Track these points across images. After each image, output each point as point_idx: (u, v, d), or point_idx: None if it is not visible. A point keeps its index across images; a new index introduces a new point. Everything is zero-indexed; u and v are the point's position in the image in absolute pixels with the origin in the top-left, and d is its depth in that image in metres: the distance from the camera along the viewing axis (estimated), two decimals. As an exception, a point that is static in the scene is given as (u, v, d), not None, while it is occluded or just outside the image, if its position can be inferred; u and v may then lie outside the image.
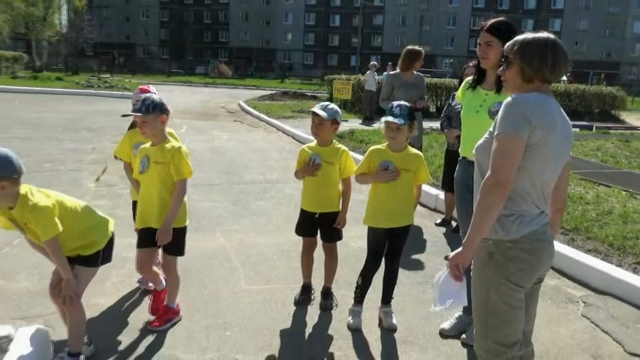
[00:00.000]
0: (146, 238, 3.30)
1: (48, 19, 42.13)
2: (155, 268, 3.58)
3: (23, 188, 2.65)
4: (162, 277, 3.59)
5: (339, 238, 3.89)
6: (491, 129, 2.23)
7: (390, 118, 3.38)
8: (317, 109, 3.64)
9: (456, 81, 13.41)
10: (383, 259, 3.71)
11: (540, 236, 2.15)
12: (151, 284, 3.72)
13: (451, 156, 5.74)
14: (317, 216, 3.76)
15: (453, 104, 5.58)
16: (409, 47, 6.14)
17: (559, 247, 4.93)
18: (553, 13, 73.11)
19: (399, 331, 3.56)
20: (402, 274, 4.56)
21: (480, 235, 2.09)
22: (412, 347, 3.38)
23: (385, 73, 17.75)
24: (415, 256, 5.03)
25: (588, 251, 4.92)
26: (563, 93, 21.08)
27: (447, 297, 2.28)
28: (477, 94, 3.33)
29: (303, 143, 11.97)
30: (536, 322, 3.69)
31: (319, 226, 3.81)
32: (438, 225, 6.05)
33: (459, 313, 3.61)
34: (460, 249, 2.14)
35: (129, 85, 27.71)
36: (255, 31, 79.29)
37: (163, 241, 3.21)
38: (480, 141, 2.28)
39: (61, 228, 2.69)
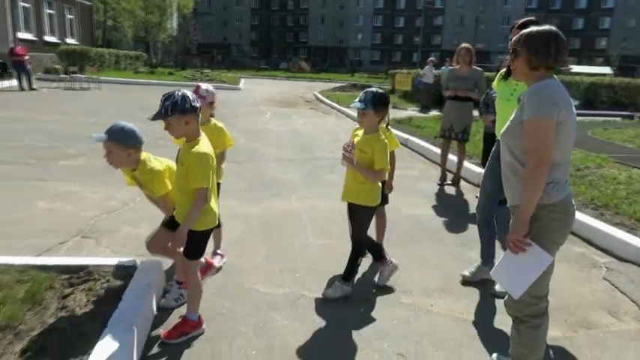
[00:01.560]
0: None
1: (162, 24, 43.85)
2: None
3: (143, 155, 2.88)
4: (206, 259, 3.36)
5: (386, 202, 3.91)
6: (513, 115, 2.24)
7: (353, 103, 3.19)
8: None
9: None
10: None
11: (570, 199, 2.19)
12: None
13: (488, 137, 5.69)
14: None
15: (490, 92, 5.49)
16: (461, 45, 6.05)
17: (589, 220, 4.78)
18: (603, 12, 67.59)
19: (437, 282, 3.63)
20: (446, 236, 4.63)
21: (530, 212, 2.11)
22: (448, 295, 3.45)
23: (443, 67, 17.28)
24: (457, 223, 5.03)
25: (615, 224, 4.73)
26: (608, 85, 19.65)
27: (521, 279, 2.17)
28: (509, 84, 3.41)
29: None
30: (560, 280, 3.73)
31: None
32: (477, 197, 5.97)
33: (478, 263, 3.70)
34: (514, 228, 2.16)
35: (225, 78, 28.58)
36: (330, 32, 78.94)
37: (175, 246, 2.81)
38: (507, 125, 2.27)
39: (170, 187, 2.88)
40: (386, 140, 3.19)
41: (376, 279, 3.56)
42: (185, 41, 50.56)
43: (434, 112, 14.94)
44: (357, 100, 3.12)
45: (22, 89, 16.33)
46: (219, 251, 3.77)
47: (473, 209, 5.55)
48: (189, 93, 2.57)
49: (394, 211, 5.26)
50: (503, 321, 3.08)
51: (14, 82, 16.78)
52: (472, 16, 70.54)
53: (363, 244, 3.36)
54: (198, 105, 2.57)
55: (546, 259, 2.15)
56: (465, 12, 72.87)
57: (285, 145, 9.15)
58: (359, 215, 3.27)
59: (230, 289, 3.37)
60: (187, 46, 55.52)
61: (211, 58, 53.35)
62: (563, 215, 2.16)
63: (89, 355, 2.27)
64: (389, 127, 3.46)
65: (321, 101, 19.37)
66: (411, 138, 9.79)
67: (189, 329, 2.72)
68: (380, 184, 3.29)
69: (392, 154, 3.62)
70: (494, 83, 3.68)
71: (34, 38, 23.12)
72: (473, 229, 4.82)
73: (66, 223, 4.41)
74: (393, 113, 14.36)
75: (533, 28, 2.17)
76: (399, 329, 2.96)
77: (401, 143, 10.12)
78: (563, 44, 2.14)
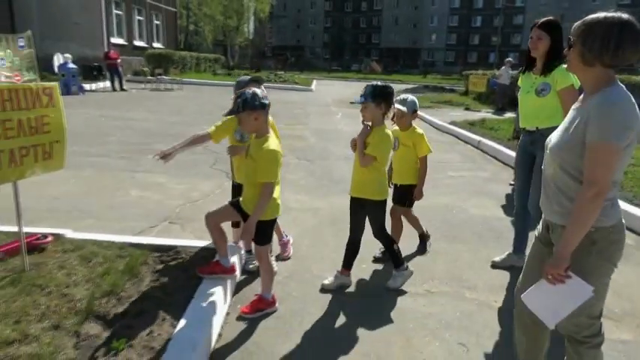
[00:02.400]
0: (237, 207, 3.05)
1: (239, 28, 45.75)
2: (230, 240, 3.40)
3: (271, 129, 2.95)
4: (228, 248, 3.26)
5: (410, 205, 3.95)
6: (572, 128, 1.90)
7: (354, 98, 3.32)
8: (398, 104, 3.56)
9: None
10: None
11: (621, 216, 1.97)
12: (252, 265, 3.60)
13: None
14: (398, 186, 3.90)
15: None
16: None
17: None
18: None
19: (501, 280, 3.65)
20: (512, 238, 4.59)
21: (576, 244, 1.86)
22: (511, 293, 3.46)
23: (502, 67, 16.70)
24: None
25: None
26: None
27: (557, 309, 1.99)
28: (529, 78, 3.56)
29: (439, 130, 12.05)
30: (631, 283, 3.66)
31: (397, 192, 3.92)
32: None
33: (508, 251, 3.90)
34: (555, 259, 1.89)
35: (297, 79, 29.29)
36: (404, 33, 78.14)
37: (245, 238, 2.93)
38: (559, 138, 1.98)
39: (277, 178, 2.89)
40: (389, 133, 3.22)
41: (389, 282, 3.47)
42: (260, 44, 52.39)
43: (509, 114, 14.47)
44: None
45: (114, 90, 17.81)
46: (289, 237, 4.00)
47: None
48: (259, 91, 2.82)
49: (462, 211, 5.31)
50: (569, 321, 3.08)
51: (107, 84, 18.32)
52: (556, 14, 66.82)
53: (386, 235, 3.45)
54: (267, 102, 2.81)
55: (587, 291, 1.93)
56: (548, 9, 68.86)
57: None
58: (370, 211, 3.33)
59: (301, 274, 3.62)
60: (262, 48, 57.34)
61: (285, 60, 54.78)
62: (620, 235, 1.94)
63: (179, 321, 2.59)
64: (422, 133, 3.78)
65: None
66: (484, 140, 9.62)
67: (264, 306, 2.99)
68: (384, 177, 3.36)
69: (423, 159, 3.78)
70: (519, 80, 3.75)
71: (125, 43, 25.04)
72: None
73: (155, 210, 4.89)
74: (466, 115, 14.21)
75: (600, 15, 1.81)
76: (461, 321, 3.05)
77: (472, 145, 10.10)
78: (631, 38, 1.74)
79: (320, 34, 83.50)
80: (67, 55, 16.13)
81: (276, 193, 2.91)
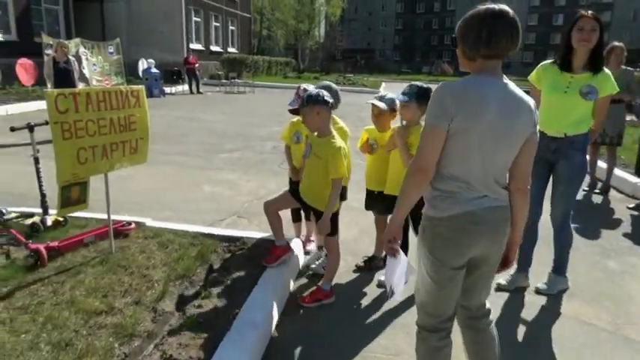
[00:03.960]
0: (295, 196, 3.25)
1: (310, 32, 46.58)
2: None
3: (335, 126, 3.18)
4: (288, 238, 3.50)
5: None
6: None
7: (398, 96, 3.23)
8: (375, 100, 3.36)
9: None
10: None
11: (476, 218, 1.79)
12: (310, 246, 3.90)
13: (646, 143, 5.24)
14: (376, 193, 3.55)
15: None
16: (614, 43, 5.66)
17: None
18: None
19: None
20: (584, 245, 4.44)
21: (401, 213, 1.85)
22: (577, 299, 3.38)
23: None
24: (600, 233, 4.76)
25: None
26: None
27: (395, 282, 2.02)
28: (558, 75, 3.15)
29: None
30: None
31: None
32: (629, 208, 5.52)
33: (513, 271, 3.51)
34: (385, 230, 1.93)
35: (366, 82, 29.38)
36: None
37: (323, 232, 3.08)
38: None
39: (346, 174, 3.05)
40: None
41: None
42: (331, 47, 53.06)
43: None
44: (400, 93, 3.18)
45: (191, 92, 18.89)
46: (312, 238, 4.02)
47: (621, 219, 5.18)
48: (324, 91, 3.01)
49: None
50: (637, 330, 2.97)
51: (186, 87, 19.45)
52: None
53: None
54: (331, 100, 2.95)
55: (406, 274, 1.98)
56: (639, 6, 64.19)
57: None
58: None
59: (359, 271, 3.75)
60: (333, 51, 58.04)
61: (355, 62, 55.08)
62: (450, 233, 1.81)
63: (243, 304, 2.82)
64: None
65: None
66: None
67: (322, 297, 3.13)
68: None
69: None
70: (532, 75, 3.35)
71: (202, 48, 26.42)
72: (612, 240, 4.55)
73: (225, 204, 5.23)
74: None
75: (471, 11, 1.80)
76: (519, 321, 3.05)
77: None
78: (503, 26, 1.72)
79: (390, 37, 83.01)
80: (151, 61, 17.32)
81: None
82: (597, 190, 6.15)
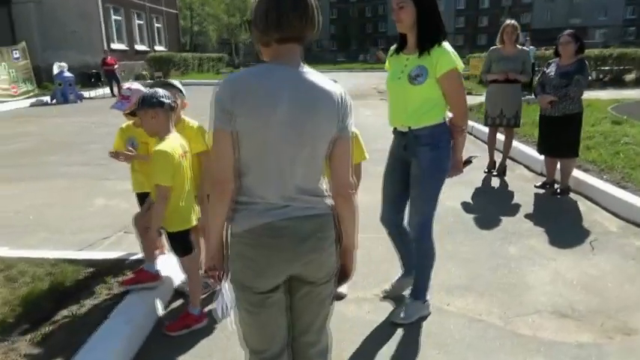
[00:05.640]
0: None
1: (243, 26, 45.55)
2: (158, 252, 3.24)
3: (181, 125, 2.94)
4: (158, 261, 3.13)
5: None
6: None
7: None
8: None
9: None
10: None
11: (275, 231, 1.51)
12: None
13: (544, 120, 5.22)
14: None
15: (547, 71, 5.04)
16: (507, 22, 5.60)
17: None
18: None
19: (461, 279, 3.40)
20: (485, 230, 4.32)
21: (212, 235, 1.61)
22: (470, 293, 3.21)
23: (531, 47, 16.19)
24: (500, 216, 4.65)
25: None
26: None
27: (224, 307, 1.84)
28: (398, 60, 2.73)
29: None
30: (607, 277, 3.33)
31: None
32: (537, 187, 5.50)
33: (398, 275, 3.17)
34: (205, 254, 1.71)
35: (300, 74, 29.03)
36: (411, 20, 77.12)
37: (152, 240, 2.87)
38: None
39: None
40: None
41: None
42: (264, 40, 52.28)
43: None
44: None
45: (113, 95, 17.80)
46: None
47: (520, 201, 5.12)
48: (161, 90, 2.63)
49: (439, 203, 5.01)
50: (527, 323, 2.82)
51: (107, 90, 18.34)
52: (567, -11, 65.04)
53: None
54: (167, 102, 2.60)
55: (226, 302, 1.76)
56: (558, -14, 67.35)
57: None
58: None
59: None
60: (268, 44, 57.22)
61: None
62: (249, 250, 1.54)
63: (86, 343, 2.42)
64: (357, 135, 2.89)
65: (393, 91, 19.00)
66: (477, 125, 9.26)
67: (191, 322, 2.79)
68: None
69: (357, 166, 2.95)
70: (387, 64, 2.88)
71: (126, 48, 25.08)
72: (516, 223, 4.47)
73: (117, 219, 4.72)
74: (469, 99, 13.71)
75: None
76: (404, 327, 2.81)
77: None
78: (291, 5, 1.47)
79: (326, 27, 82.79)
80: (62, 64, 16.14)
81: (185, 202, 2.69)
82: (495, 172, 6.11)
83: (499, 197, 5.36)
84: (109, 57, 18.12)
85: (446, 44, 2.58)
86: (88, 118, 12.23)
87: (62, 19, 21.38)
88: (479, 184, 5.81)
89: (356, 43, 76.94)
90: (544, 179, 5.59)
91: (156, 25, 29.55)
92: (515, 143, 6.97)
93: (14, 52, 14.93)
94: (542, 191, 5.40)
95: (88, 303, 2.86)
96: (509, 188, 5.65)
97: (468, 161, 2.88)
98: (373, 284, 3.33)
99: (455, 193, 5.36)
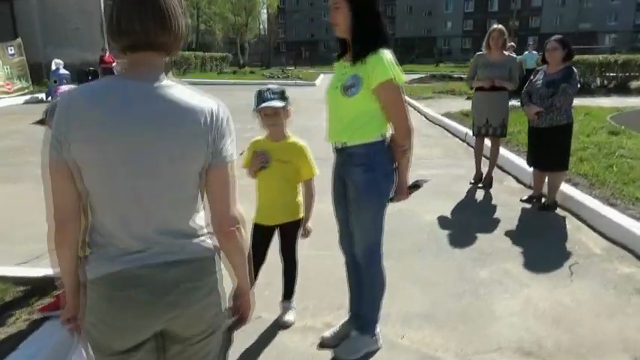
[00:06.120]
0: None
1: (249, 25, 45.45)
2: None
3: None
4: None
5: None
6: None
7: (264, 104, 2.54)
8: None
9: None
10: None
11: (126, 281, 1.25)
12: None
13: (533, 132, 4.91)
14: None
15: (533, 80, 4.75)
16: (493, 27, 5.29)
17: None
18: None
19: (423, 306, 3.11)
20: (458, 249, 4.02)
21: (62, 277, 1.35)
22: (429, 324, 2.92)
23: (526, 52, 15.80)
24: (477, 234, 4.33)
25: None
26: None
27: None
28: (340, 68, 2.42)
29: (431, 122, 11.36)
30: (583, 310, 3.02)
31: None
32: (522, 201, 5.19)
33: (344, 320, 2.79)
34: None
35: (302, 74, 28.78)
36: (418, 22, 76.57)
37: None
38: None
39: None
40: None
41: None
42: (271, 40, 52.02)
43: (513, 102, 13.66)
44: (268, 96, 2.55)
45: (111, 94, 17.64)
46: None
47: (503, 216, 4.81)
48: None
49: (413, 216, 4.75)
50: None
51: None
52: (578, -6, 64.30)
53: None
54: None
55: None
56: (569, -10, 66.61)
57: (319, 142, 8.82)
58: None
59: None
60: (274, 44, 57.03)
61: (298, 55, 54.25)
62: (102, 302, 1.28)
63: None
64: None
65: (394, 94, 18.70)
66: (471, 132, 8.95)
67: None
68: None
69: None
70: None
71: (128, 46, 24.90)
72: (493, 242, 4.17)
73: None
74: (465, 105, 13.41)
75: None
76: (350, 365, 2.54)
77: (460, 139, 9.42)
78: (131, 6, 1.22)
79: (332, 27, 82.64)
80: (58, 61, 15.96)
81: None
82: (480, 184, 5.80)
83: (481, 212, 5.05)
84: (107, 54, 17.96)
85: (384, 51, 2.28)
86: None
87: (63, 16, 21.22)
88: (462, 196, 5.51)
89: (363, 44, 76.42)
90: (531, 192, 5.28)
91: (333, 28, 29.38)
92: (505, 153, 6.69)
93: (9, 48, 14.79)
94: (528, 206, 5.09)
95: (2, 330, 2.60)
96: (494, 202, 5.35)
97: (416, 185, 2.57)
98: (326, 311, 3.05)
99: (434, 206, 5.09)
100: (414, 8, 77.46)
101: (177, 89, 1.28)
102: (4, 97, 14.09)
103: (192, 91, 1.31)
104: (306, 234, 2.84)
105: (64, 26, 21.24)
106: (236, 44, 47.52)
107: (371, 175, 2.37)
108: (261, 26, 59.01)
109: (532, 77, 4.84)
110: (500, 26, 5.29)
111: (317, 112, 14.73)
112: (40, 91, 15.71)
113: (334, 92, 2.39)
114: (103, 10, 22.16)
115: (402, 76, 2.31)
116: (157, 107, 1.24)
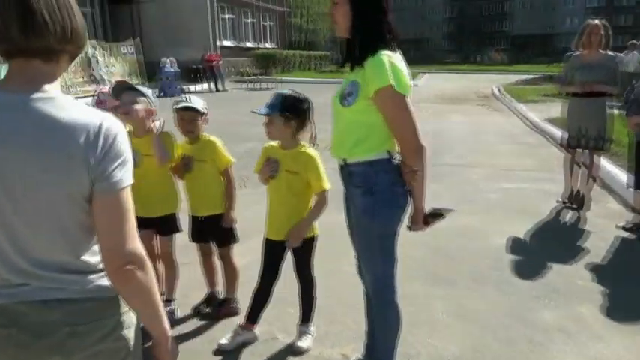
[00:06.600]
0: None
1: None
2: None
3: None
4: None
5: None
6: None
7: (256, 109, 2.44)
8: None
9: None
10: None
11: (6, 319, 1.09)
12: None
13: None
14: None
15: (637, 85, 3.94)
16: (589, 21, 4.49)
17: None
18: None
19: (456, 348, 2.64)
20: (522, 282, 3.42)
21: None
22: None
23: (625, 52, 13.79)
24: (551, 265, 3.66)
25: None
26: None
27: None
28: (346, 74, 2.08)
29: (534, 129, 10.29)
30: None
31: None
32: (618, 227, 4.35)
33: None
34: None
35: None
36: (537, 19, 71.06)
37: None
38: None
39: None
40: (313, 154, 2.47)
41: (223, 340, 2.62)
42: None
43: (614, 110, 11.96)
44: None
45: (214, 90, 18.60)
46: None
47: (592, 245, 4.06)
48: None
49: (478, 236, 4.23)
50: None
51: (206, 86, 19.17)
52: None
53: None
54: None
55: None
56: None
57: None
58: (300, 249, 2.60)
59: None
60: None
61: (404, 53, 53.09)
62: None
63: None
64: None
65: (496, 96, 17.43)
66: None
67: None
68: None
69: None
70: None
71: (234, 45, 26.17)
72: (571, 276, 3.51)
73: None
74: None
75: None
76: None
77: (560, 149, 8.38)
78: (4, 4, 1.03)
79: (441, 25, 79.70)
80: (166, 60, 17.13)
81: None
82: (571, 204, 4.97)
83: (564, 238, 4.32)
84: (209, 53, 18.93)
85: (385, 53, 1.89)
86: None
87: (178, 18, 22.85)
88: (545, 217, 4.79)
89: (472, 42, 72.88)
90: (635, 218, 4.42)
91: (264, 23, 30.48)
92: (608, 167, 5.77)
93: (127, 47, 16.21)
94: (625, 235, 4.26)
95: None
96: (583, 226, 4.57)
97: (437, 215, 2.13)
98: (349, 340, 2.73)
99: (508, 226, 4.49)
100: (534, 4, 72.11)
101: (57, 103, 1.07)
102: (119, 92, 15.49)
103: (76, 105, 1.10)
104: (290, 245, 2.53)
105: (178, 27, 22.87)
106: (338, 43, 47.74)
107: (369, 200, 2.01)
108: (367, 25, 58.60)
109: (634, 82, 4.02)
110: (597, 21, 4.47)
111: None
112: (150, 87, 17.03)
113: (334, 101, 2.08)
114: (213, 13, 23.50)
115: (406, 83, 1.92)
116: (30, 121, 1.05)
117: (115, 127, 1.10)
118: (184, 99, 2.80)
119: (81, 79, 14.24)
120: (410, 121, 1.91)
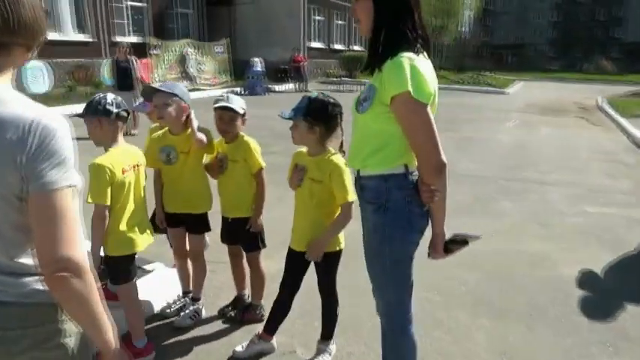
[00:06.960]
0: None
1: (445, 28, 44.05)
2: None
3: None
4: None
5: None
6: None
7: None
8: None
9: None
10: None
11: None
12: None
13: None
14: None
15: None
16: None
17: None
18: None
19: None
20: (585, 322, 2.98)
21: None
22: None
23: None
24: (621, 305, 3.16)
25: None
26: None
27: None
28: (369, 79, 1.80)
29: (639, 147, 9.19)
30: None
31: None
32: None
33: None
34: None
35: (495, 81, 26.59)
36: (657, 24, 64.12)
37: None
38: None
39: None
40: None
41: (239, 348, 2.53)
42: (471, 43, 49.54)
43: None
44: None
45: (297, 90, 18.89)
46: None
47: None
48: (111, 96, 2.29)
49: (546, 265, 3.81)
50: None
51: (291, 86, 19.51)
52: None
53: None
54: (115, 111, 2.25)
55: None
56: None
57: (490, 159, 7.78)
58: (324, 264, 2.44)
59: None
60: (475, 48, 54.18)
61: (499, 59, 50.63)
62: None
63: None
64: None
65: (600, 109, 15.89)
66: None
67: (135, 356, 2.39)
68: None
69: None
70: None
71: (323, 46, 26.43)
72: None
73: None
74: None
75: None
76: None
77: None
78: None
79: (546, 30, 74.52)
80: (256, 59, 17.66)
81: (122, 224, 2.32)
82: None
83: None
84: (297, 55, 19.23)
85: (405, 55, 1.64)
86: (256, 111, 13.08)
87: (272, 19, 23.57)
88: (631, 248, 4.18)
89: (579, 49, 67.42)
90: None
91: (355, 25, 30.45)
92: None
93: (218, 47, 16.97)
94: None
95: None
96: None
97: (461, 241, 1.84)
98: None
99: (584, 255, 4.00)
100: (654, 7, 65.05)
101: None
102: (208, 89, 16.22)
103: (17, 100, 1.03)
104: (309, 258, 2.37)
105: (272, 28, 23.57)
106: (434, 46, 46.56)
107: (380, 218, 1.78)
108: (463, 29, 56.66)
109: None
110: None
111: (498, 122, 13.33)
112: (237, 86, 17.66)
113: (352, 108, 1.87)
114: (305, 15, 23.93)
115: (427, 90, 1.65)
116: None
117: (53, 124, 1.03)
118: (223, 98, 2.74)
119: (175, 76, 15.14)
120: (429, 133, 1.66)
